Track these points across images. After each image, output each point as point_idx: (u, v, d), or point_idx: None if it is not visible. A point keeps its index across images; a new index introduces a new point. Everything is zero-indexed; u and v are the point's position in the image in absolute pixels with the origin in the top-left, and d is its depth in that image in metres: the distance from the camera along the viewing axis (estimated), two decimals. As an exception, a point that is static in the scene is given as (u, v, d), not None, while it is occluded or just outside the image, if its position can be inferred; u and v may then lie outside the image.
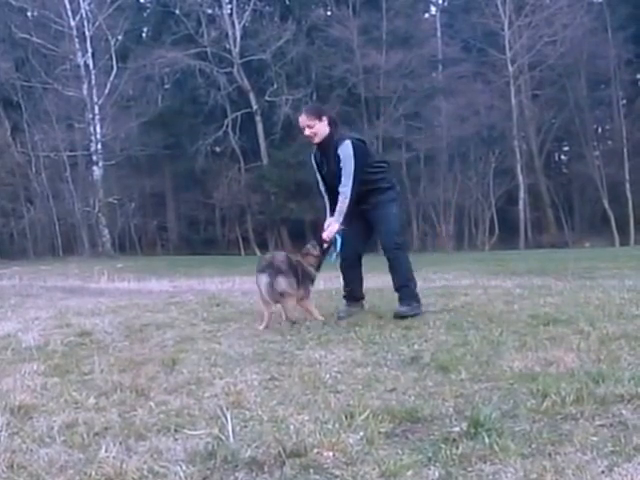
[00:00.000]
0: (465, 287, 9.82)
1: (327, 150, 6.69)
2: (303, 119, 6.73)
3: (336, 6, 41.46)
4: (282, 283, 6.43)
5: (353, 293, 7.09)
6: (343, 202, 6.54)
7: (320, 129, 6.66)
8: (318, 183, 7.01)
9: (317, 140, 6.71)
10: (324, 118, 6.66)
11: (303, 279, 6.66)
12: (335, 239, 6.74)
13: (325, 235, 6.70)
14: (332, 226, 6.66)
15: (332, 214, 6.72)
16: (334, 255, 6.85)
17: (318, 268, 6.86)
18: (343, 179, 6.52)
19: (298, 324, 6.47)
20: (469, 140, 40.03)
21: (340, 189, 6.53)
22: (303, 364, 4.78)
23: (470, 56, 41.87)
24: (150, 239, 44.45)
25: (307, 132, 6.71)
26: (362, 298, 7.16)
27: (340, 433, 3.20)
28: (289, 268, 6.53)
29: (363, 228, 6.89)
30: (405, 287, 6.72)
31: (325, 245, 6.78)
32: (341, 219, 6.61)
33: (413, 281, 6.81)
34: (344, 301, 7.14)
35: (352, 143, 6.57)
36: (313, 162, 6.98)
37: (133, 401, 4.00)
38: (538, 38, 39.24)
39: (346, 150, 6.53)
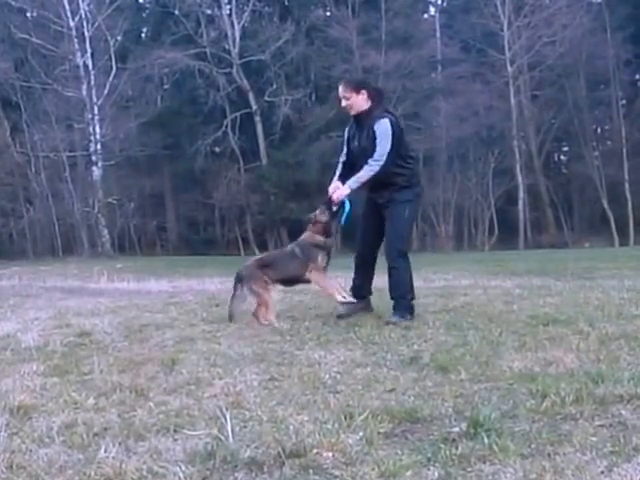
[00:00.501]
0: (465, 287, 9.83)
1: (362, 124, 6.54)
2: (341, 90, 6.63)
3: (335, 6, 41.43)
4: (247, 294, 6.66)
5: (360, 289, 6.94)
6: (367, 173, 6.40)
7: (356, 102, 6.53)
8: (342, 153, 6.90)
9: (353, 112, 6.60)
10: (363, 92, 6.53)
11: (309, 254, 6.66)
12: (344, 202, 6.63)
13: (335, 196, 6.58)
14: (343, 189, 6.53)
15: (342, 182, 6.59)
16: (343, 217, 6.72)
17: (329, 234, 6.77)
18: (377, 153, 6.34)
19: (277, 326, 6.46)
20: (468, 140, 40.02)
21: (370, 161, 6.36)
22: (302, 364, 4.79)
23: (469, 56, 41.85)
24: (149, 239, 44.43)
25: (343, 103, 6.62)
26: (369, 295, 7.01)
27: (339, 433, 3.20)
28: (256, 272, 6.63)
29: (379, 224, 6.71)
30: (402, 299, 6.57)
31: (335, 208, 6.67)
32: (355, 186, 6.49)
33: (411, 293, 6.63)
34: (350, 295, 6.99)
35: (391, 122, 6.41)
36: (345, 133, 6.87)
37: (132, 401, 4.00)
38: (537, 38, 39.22)
39: (384, 127, 6.37)
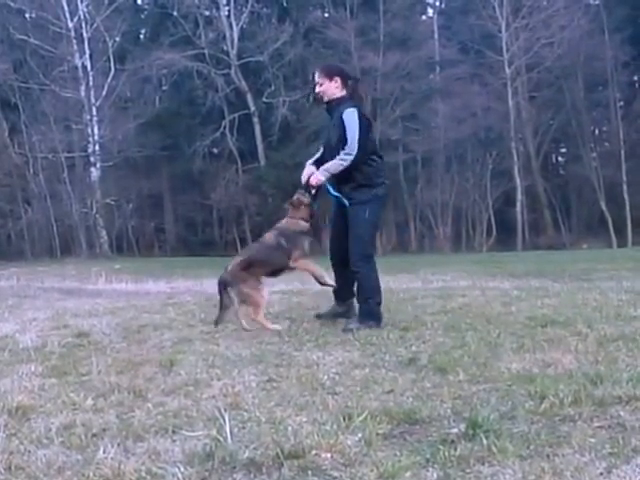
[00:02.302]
0: (463, 288, 9.84)
1: (331, 113, 6.46)
2: (316, 76, 6.55)
3: (333, 8, 41.44)
4: (233, 295, 6.47)
5: (340, 291, 6.76)
6: (337, 166, 6.28)
7: (328, 90, 6.44)
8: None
9: (325, 99, 6.51)
10: (336, 79, 6.42)
11: (293, 242, 6.51)
12: (326, 188, 6.52)
13: (312, 180, 6.43)
14: (317, 175, 6.39)
15: (317, 167, 6.48)
16: (335, 199, 6.55)
17: (312, 218, 6.63)
18: (347, 145, 6.19)
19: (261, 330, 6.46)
20: (466, 142, 40.05)
21: (342, 154, 6.22)
22: (301, 365, 4.79)
23: (467, 58, 41.87)
24: (148, 240, 44.41)
25: (317, 89, 6.53)
26: (351, 297, 6.72)
27: (338, 434, 3.19)
28: (240, 274, 6.47)
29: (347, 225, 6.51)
30: (364, 304, 6.36)
31: (313, 191, 6.56)
32: (326, 175, 6.36)
33: (375, 298, 6.34)
34: (333, 298, 6.90)
35: (359, 112, 6.26)
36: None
37: (131, 402, 4.00)
38: (535, 40, 39.27)
39: (351, 117, 6.20)
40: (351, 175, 6.33)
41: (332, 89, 6.42)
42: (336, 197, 6.51)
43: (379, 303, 6.37)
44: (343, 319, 6.53)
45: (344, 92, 6.43)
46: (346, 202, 6.40)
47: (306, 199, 6.58)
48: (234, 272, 6.54)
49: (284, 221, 6.69)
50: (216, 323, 6.64)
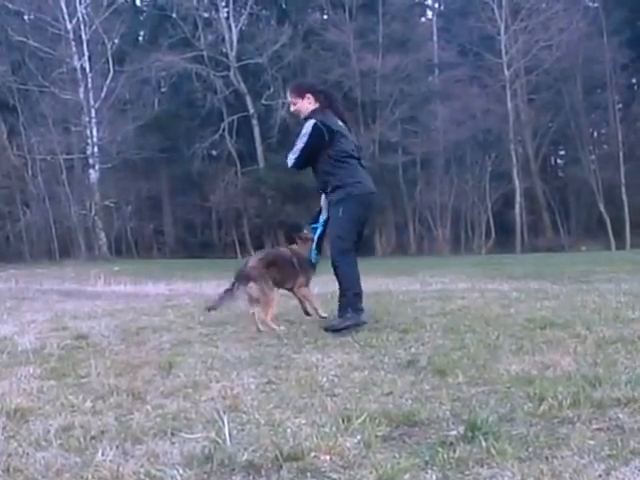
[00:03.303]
0: (462, 291, 9.84)
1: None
2: (288, 95, 6.84)
3: (332, 10, 41.50)
4: (253, 290, 6.52)
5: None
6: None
7: (302, 107, 6.68)
8: None
9: (302, 117, 6.71)
10: (308, 96, 6.63)
11: (302, 268, 6.74)
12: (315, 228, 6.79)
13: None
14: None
15: (319, 192, 6.79)
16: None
17: (319, 251, 6.84)
18: (291, 152, 6.56)
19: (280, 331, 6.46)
20: (465, 144, 40.09)
21: (288, 156, 6.60)
22: (300, 368, 4.78)
23: (466, 60, 41.92)
24: (146, 242, 44.42)
25: (292, 108, 6.81)
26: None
27: (337, 437, 3.19)
28: (263, 272, 6.57)
29: None
30: (343, 297, 6.44)
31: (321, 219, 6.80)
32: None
33: (353, 290, 6.42)
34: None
35: (315, 124, 6.44)
36: None
37: (130, 404, 3.99)
38: (534, 42, 39.34)
39: (306, 128, 6.49)
40: (327, 180, 6.57)
41: (305, 105, 6.66)
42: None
43: (357, 294, 6.42)
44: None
45: (317, 105, 6.64)
46: (313, 257, 6.80)
47: (310, 234, 6.85)
48: (258, 268, 6.63)
49: (296, 247, 6.92)
50: (210, 309, 6.80)
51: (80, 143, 39.20)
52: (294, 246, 6.93)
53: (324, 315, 6.78)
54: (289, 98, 6.79)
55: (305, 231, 6.92)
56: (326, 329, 6.20)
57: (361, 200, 6.53)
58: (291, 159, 6.56)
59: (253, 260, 6.76)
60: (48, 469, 2.99)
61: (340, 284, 6.48)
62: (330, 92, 7.18)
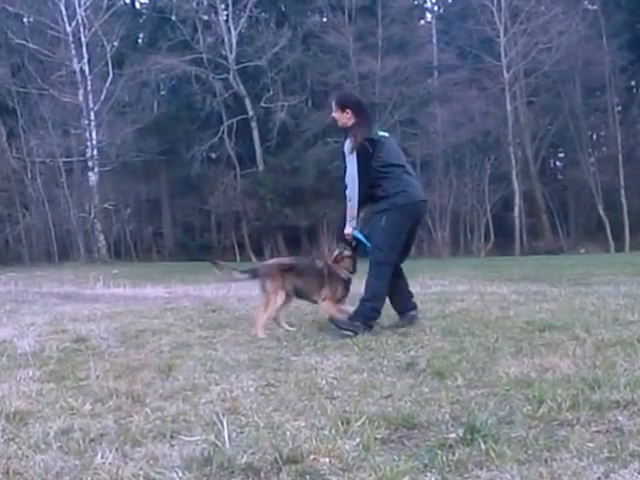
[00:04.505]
0: (461, 293, 9.85)
1: (343, 142, 6.65)
2: (332, 103, 6.83)
3: (332, 13, 41.46)
4: (259, 286, 6.72)
5: (394, 305, 6.80)
6: (350, 207, 6.53)
7: (340, 119, 6.69)
8: None
9: (339, 125, 6.75)
10: (347, 111, 6.63)
11: (331, 281, 6.70)
12: (357, 237, 6.68)
13: (346, 236, 6.69)
14: (347, 229, 6.63)
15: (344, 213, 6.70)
16: (368, 245, 6.66)
17: (353, 270, 6.84)
18: (347, 181, 6.46)
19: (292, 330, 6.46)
20: (464, 146, 40.06)
21: (346, 192, 6.48)
22: (299, 370, 4.79)
23: (465, 63, 41.89)
24: (146, 245, 44.36)
25: (332, 114, 6.78)
26: (404, 311, 6.73)
27: (336, 439, 3.20)
28: (274, 274, 6.63)
29: None
30: (361, 305, 6.42)
31: (353, 243, 6.74)
32: (353, 223, 6.60)
33: (373, 303, 6.38)
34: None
35: (358, 144, 6.43)
36: None
37: (129, 407, 3.99)
38: (533, 45, 39.30)
39: (347, 148, 6.48)
40: (372, 192, 6.54)
41: (344, 119, 6.67)
42: (359, 239, 6.72)
43: (376, 309, 6.40)
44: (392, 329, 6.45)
45: (354, 120, 6.61)
46: (367, 243, 6.64)
47: (347, 252, 6.81)
48: (269, 267, 6.80)
49: (332, 263, 6.89)
50: (216, 264, 7.21)
51: (79, 146, 39.12)
52: (330, 261, 6.92)
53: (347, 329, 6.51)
54: (332, 105, 6.81)
55: (337, 251, 6.87)
56: (331, 320, 6.32)
57: (407, 210, 6.50)
58: (352, 191, 6.46)
59: (272, 260, 6.99)
60: (47, 472, 2.99)
61: (365, 293, 6.45)
62: (368, 113, 7.10)
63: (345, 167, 6.52)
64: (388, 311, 6.71)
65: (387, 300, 6.65)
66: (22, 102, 39.07)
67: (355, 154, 6.42)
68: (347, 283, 6.80)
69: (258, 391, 4.28)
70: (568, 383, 3.98)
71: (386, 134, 6.87)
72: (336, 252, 6.88)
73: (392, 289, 6.66)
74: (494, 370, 4.45)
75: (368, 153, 6.45)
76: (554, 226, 41.40)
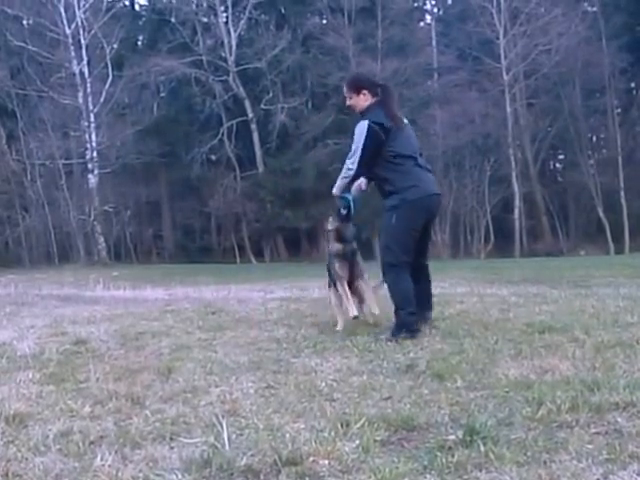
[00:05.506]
0: (461, 295, 9.84)
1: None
2: (345, 89, 6.53)
3: (331, 15, 41.46)
4: None
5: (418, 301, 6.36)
6: (341, 177, 6.38)
7: (357, 103, 6.38)
8: None
9: (357, 111, 6.44)
10: (364, 92, 6.33)
11: (330, 263, 6.65)
12: (348, 203, 6.47)
13: (335, 195, 6.52)
14: (335, 189, 6.49)
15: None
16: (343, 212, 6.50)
17: (344, 240, 6.60)
18: (348, 157, 6.24)
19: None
20: (464, 148, 40.07)
21: (347, 163, 6.27)
22: (299, 372, 4.79)
23: (465, 64, 41.92)
24: (146, 247, 44.36)
25: (347, 102, 6.50)
26: (425, 312, 6.46)
27: (336, 441, 3.20)
28: None
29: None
30: (396, 315, 6.14)
31: (344, 211, 6.49)
32: (337, 188, 6.46)
33: (405, 309, 6.06)
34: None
35: (369, 125, 6.10)
36: None
37: (129, 409, 3.99)
38: (533, 47, 39.32)
39: (359, 129, 6.13)
40: (382, 185, 6.30)
41: (361, 102, 6.36)
42: (344, 199, 6.53)
43: (412, 313, 6.09)
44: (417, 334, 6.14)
45: (373, 100, 6.34)
46: (351, 205, 6.46)
47: (331, 225, 6.65)
48: None
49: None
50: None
51: (79, 148, 39.13)
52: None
53: (354, 314, 6.42)
54: (345, 92, 6.49)
55: (325, 224, 6.74)
56: (377, 339, 5.90)
57: (418, 205, 6.15)
58: (348, 164, 6.25)
59: None
60: (47, 474, 2.99)
61: (392, 300, 6.23)
62: (388, 86, 6.77)
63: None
64: (387, 313, 6.68)
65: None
66: (22, 104, 39.11)
67: (365, 136, 6.10)
68: (339, 255, 6.56)
69: (258, 393, 4.28)
70: (567, 385, 3.98)
71: (404, 121, 6.49)
72: (325, 225, 6.79)
73: (417, 285, 6.41)
74: (494, 372, 4.45)
75: (380, 139, 6.14)
76: (554, 228, 41.42)
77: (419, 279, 6.36)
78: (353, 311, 6.41)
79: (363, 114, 6.32)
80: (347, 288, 6.56)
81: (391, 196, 6.19)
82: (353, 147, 6.19)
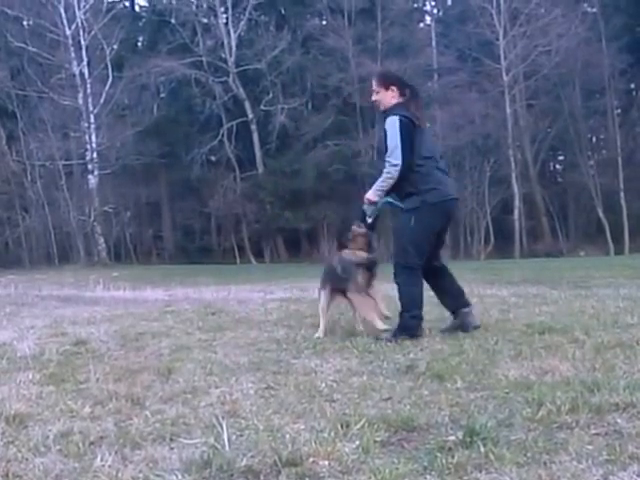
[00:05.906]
0: (460, 296, 9.82)
1: (382, 122, 6.23)
2: (373, 83, 6.41)
3: (331, 16, 41.46)
4: None
5: (446, 306, 6.52)
6: (384, 179, 6.09)
7: (384, 98, 6.27)
8: None
9: (382, 108, 6.32)
10: (392, 88, 6.24)
11: (350, 271, 6.34)
12: (389, 202, 6.24)
13: (365, 200, 6.25)
14: (368, 195, 6.23)
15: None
16: (368, 220, 6.31)
17: (371, 249, 6.42)
18: (388, 155, 6.00)
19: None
20: (464, 149, 40.03)
21: (387, 166, 6.02)
22: (299, 373, 4.79)
23: (465, 65, 41.88)
24: (145, 248, 44.35)
25: (373, 97, 6.40)
26: (460, 308, 6.39)
27: (336, 442, 3.19)
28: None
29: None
30: (400, 317, 6.14)
31: (369, 219, 6.32)
32: (375, 196, 6.18)
33: (410, 312, 6.06)
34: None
35: (400, 119, 6.00)
36: None
37: (129, 410, 3.99)
38: (533, 48, 39.30)
39: (392, 125, 6.01)
40: (400, 185, 6.11)
41: (388, 98, 6.27)
42: (390, 203, 6.28)
43: (415, 317, 6.08)
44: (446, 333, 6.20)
45: (400, 99, 6.25)
46: (399, 204, 6.19)
47: (362, 229, 6.40)
48: None
49: (345, 252, 6.48)
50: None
51: (79, 149, 39.16)
52: (345, 251, 6.49)
53: (382, 327, 6.21)
54: (373, 86, 6.37)
55: (354, 227, 6.43)
56: (378, 339, 5.90)
57: (437, 209, 6.09)
58: (392, 161, 5.99)
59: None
60: (47, 474, 2.99)
61: (399, 302, 6.19)
62: (417, 88, 6.72)
63: (383, 145, 6.11)
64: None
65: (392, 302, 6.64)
66: (22, 105, 39.15)
67: (399, 129, 5.97)
68: (363, 264, 6.36)
69: (258, 394, 4.28)
70: (567, 386, 3.98)
71: (427, 124, 6.43)
72: (351, 232, 6.47)
73: (439, 289, 6.47)
74: (493, 373, 4.45)
75: (412, 132, 6.04)
76: (554, 229, 41.39)
77: (442, 276, 6.45)
78: (381, 325, 6.25)
79: (386, 112, 6.23)
80: (367, 300, 6.41)
81: (411, 197, 6.08)
82: (390, 144, 6.02)
